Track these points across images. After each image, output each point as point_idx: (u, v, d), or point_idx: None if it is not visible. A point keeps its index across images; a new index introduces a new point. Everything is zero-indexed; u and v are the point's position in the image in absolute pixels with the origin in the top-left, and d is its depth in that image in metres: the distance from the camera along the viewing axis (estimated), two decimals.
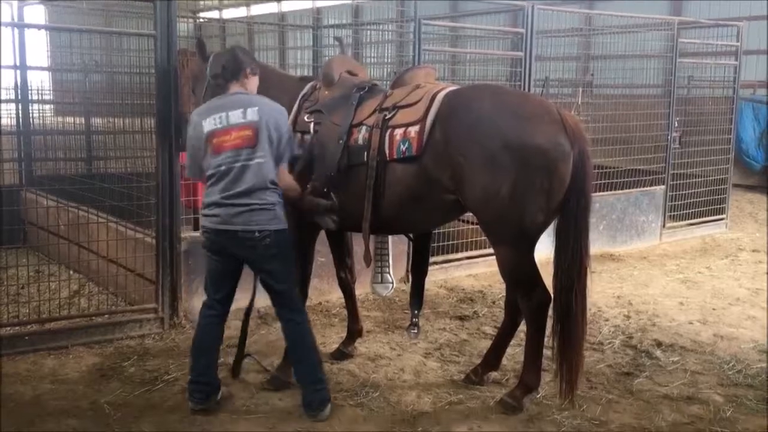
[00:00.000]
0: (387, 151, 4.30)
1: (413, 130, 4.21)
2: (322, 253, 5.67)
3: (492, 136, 3.99)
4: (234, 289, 4.39)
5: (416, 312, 4.88)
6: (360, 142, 4.41)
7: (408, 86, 4.52)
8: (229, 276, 4.33)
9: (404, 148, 4.23)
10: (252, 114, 4.16)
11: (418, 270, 4.94)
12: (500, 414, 4.31)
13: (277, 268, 4.25)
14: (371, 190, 4.34)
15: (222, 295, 4.34)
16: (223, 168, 4.11)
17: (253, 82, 4.42)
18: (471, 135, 4.03)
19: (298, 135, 4.65)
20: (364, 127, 4.43)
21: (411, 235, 5.00)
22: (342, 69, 4.88)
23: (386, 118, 4.35)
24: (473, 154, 4.02)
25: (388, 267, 5.12)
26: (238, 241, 4.14)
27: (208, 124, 4.16)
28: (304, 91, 4.88)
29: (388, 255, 5.10)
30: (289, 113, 4.70)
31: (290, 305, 4.31)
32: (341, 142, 4.44)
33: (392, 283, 5.14)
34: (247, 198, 4.11)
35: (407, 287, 6.79)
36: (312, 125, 4.62)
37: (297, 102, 4.81)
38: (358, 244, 4.99)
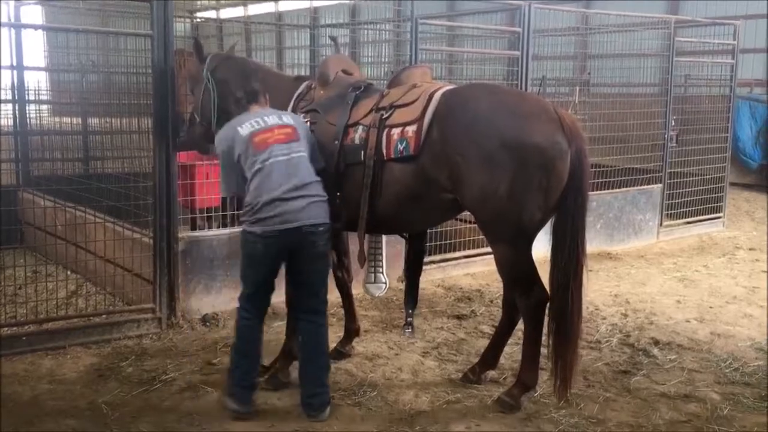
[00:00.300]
0: (384, 151, 4.30)
1: (411, 130, 4.22)
2: None
3: (490, 135, 4.00)
4: (273, 290, 4.35)
5: (410, 311, 4.87)
6: (356, 141, 4.41)
7: (404, 86, 4.52)
8: (272, 280, 4.28)
9: (401, 148, 4.23)
10: (287, 118, 4.33)
11: (412, 269, 4.93)
12: (498, 413, 4.31)
13: (325, 266, 4.30)
14: (368, 190, 4.34)
15: (263, 299, 4.29)
16: (270, 161, 4.10)
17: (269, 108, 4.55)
18: (469, 134, 4.04)
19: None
20: (360, 127, 4.43)
21: (406, 235, 4.99)
22: (338, 68, 4.89)
23: (383, 117, 4.36)
24: (471, 153, 4.02)
25: (382, 267, 5.12)
26: (301, 237, 4.08)
27: (246, 129, 4.21)
28: (300, 90, 4.89)
29: (381, 255, 5.10)
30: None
31: (319, 307, 4.32)
32: (336, 142, 4.45)
33: (385, 283, 5.13)
34: (306, 190, 4.13)
35: (404, 286, 6.81)
36: (308, 125, 4.63)
37: (292, 101, 4.82)
38: (353, 243, 4.99)
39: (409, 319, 4.87)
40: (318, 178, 4.24)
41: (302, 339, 4.34)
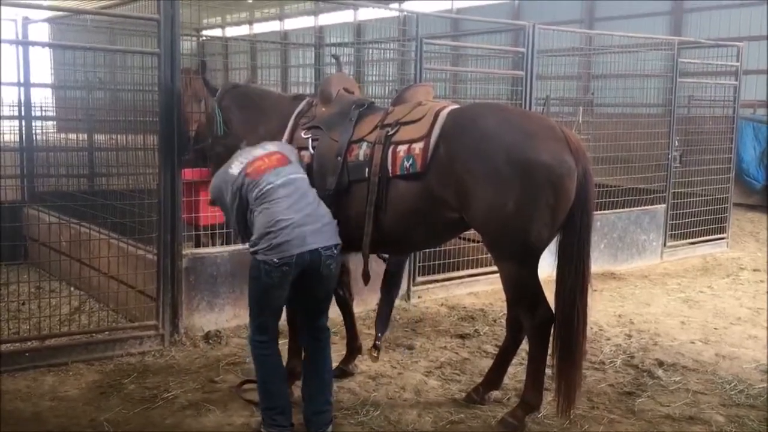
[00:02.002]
0: (390, 168, 4.30)
1: (417, 147, 4.22)
2: None
3: (498, 153, 4.01)
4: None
5: (380, 335, 4.77)
6: (360, 158, 4.42)
7: (409, 103, 4.55)
8: (283, 306, 4.25)
9: (408, 165, 4.24)
10: (271, 146, 4.37)
11: (389, 290, 4.83)
12: None
13: (334, 285, 4.30)
14: (372, 207, 4.34)
15: (275, 328, 4.21)
16: (271, 186, 4.08)
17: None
18: (477, 151, 4.05)
19: (296, 151, 4.69)
20: (364, 144, 4.44)
21: (385, 256, 4.89)
22: (340, 86, 4.93)
23: (389, 134, 4.37)
24: (480, 171, 4.03)
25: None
26: (317, 259, 4.02)
27: (236, 168, 4.21)
28: (300, 108, 4.93)
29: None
30: (281, 131, 4.79)
31: (325, 323, 4.30)
32: (339, 158, 4.46)
33: None
34: (316, 213, 4.12)
35: (408, 305, 6.81)
36: (310, 141, 4.64)
37: (292, 119, 4.86)
38: (354, 262, 5.00)
39: (377, 342, 4.76)
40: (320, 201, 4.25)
41: (307, 356, 4.32)
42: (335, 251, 4.13)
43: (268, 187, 4.08)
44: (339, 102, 4.79)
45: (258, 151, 4.30)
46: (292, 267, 3.98)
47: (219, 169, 4.40)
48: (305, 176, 4.30)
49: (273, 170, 4.15)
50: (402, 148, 4.27)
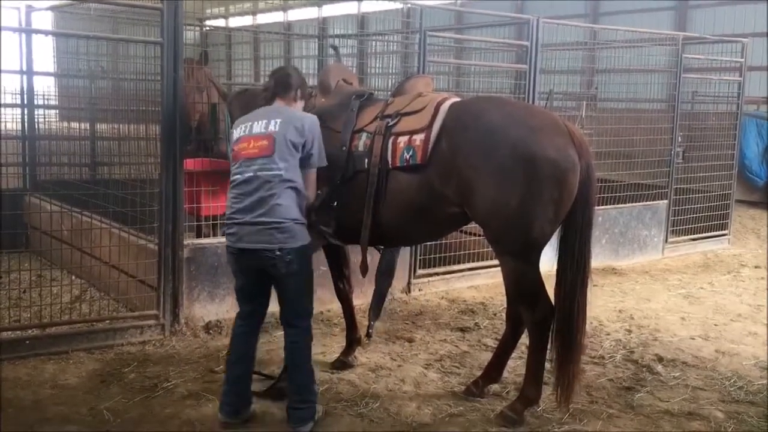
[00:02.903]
0: (389, 159, 4.29)
1: (418, 138, 4.21)
2: (324, 263, 5.66)
3: (503, 148, 4.00)
4: (266, 301, 4.28)
5: (372, 324, 4.84)
6: (360, 148, 4.41)
7: (410, 94, 4.53)
8: (257, 290, 4.21)
9: (408, 156, 4.23)
10: (273, 125, 4.11)
11: (383, 281, 4.88)
12: (500, 427, 4.29)
13: (297, 284, 4.15)
14: (372, 198, 4.33)
15: (251, 308, 4.25)
16: (239, 178, 4.07)
17: (298, 106, 4.39)
18: (481, 147, 4.04)
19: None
20: (364, 134, 4.43)
21: (380, 247, 4.89)
22: (338, 77, 4.92)
23: (389, 125, 4.35)
24: (483, 166, 4.02)
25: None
26: (260, 259, 4.05)
27: (237, 132, 4.20)
28: None
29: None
30: None
31: (294, 321, 4.21)
32: (344, 148, 4.45)
33: None
34: (264, 215, 3.99)
35: (408, 298, 6.82)
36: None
37: None
38: (354, 254, 4.99)
39: (370, 330, 4.88)
40: (286, 200, 4.03)
41: (285, 352, 4.31)
42: (278, 254, 4.00)
43: (236, 176, 4.11)
44: (338, 93, 4.78)
45: (259, 125, 4.12)
46: (236, 257, 4.13)
47: (244, 116, 4.31)
48: (280, 171, 4.01)
49: (249, 160, 4.07)
50: (402, 140, 4.26)
